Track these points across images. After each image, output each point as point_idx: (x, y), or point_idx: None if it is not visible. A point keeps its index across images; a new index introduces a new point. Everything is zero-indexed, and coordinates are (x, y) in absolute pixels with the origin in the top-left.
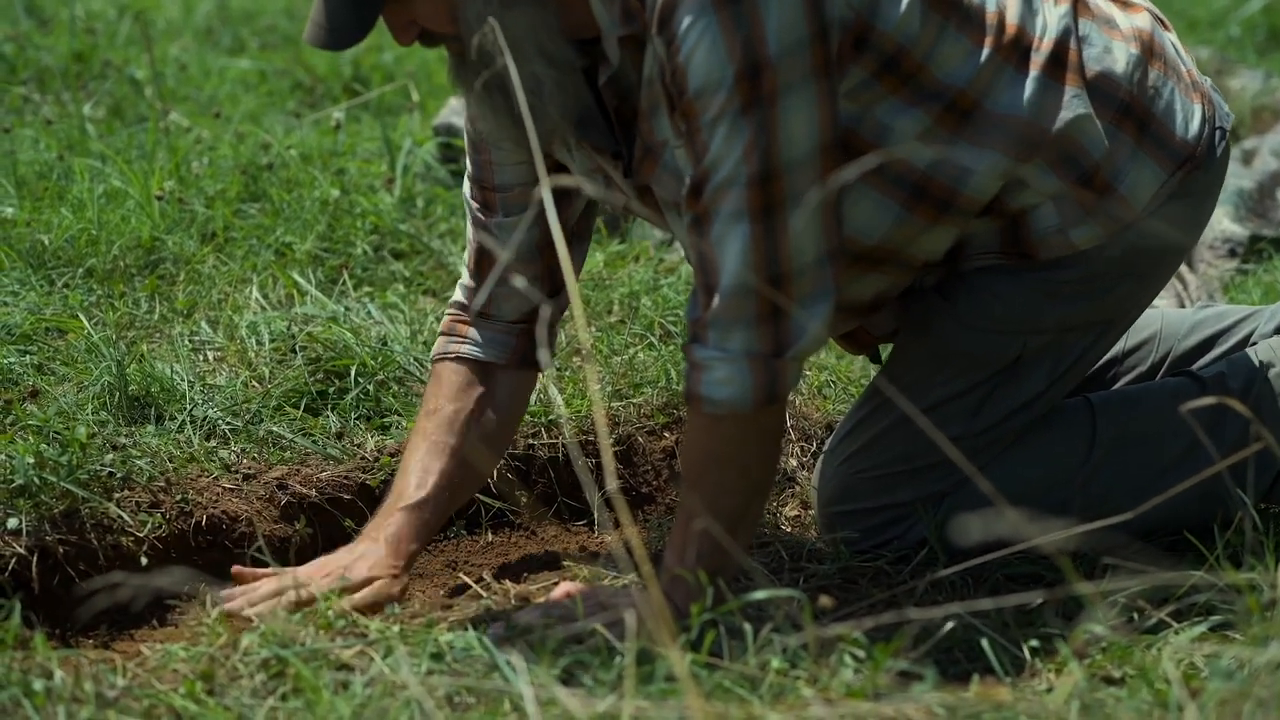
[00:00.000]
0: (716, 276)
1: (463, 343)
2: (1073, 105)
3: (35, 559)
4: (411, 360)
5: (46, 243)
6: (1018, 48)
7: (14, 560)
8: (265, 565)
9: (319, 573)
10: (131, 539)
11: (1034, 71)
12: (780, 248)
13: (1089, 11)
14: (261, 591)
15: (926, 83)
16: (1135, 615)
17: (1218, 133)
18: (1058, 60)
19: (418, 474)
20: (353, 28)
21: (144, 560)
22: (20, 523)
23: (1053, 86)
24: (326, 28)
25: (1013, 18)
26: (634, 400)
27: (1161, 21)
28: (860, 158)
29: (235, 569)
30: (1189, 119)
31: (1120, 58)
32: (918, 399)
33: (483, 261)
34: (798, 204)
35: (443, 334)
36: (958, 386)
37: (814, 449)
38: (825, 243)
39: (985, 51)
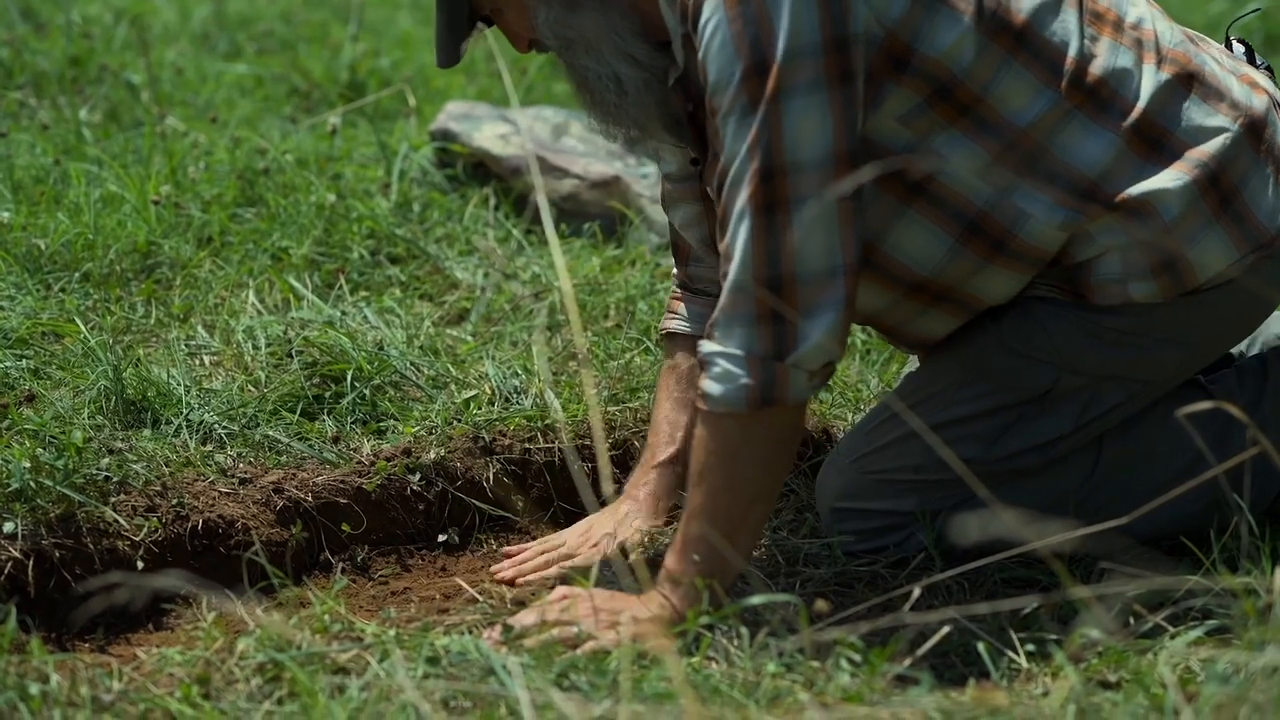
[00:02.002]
0: (727, 274)
1: (672, 318)
2: (1148, 175)
3: (31, 563)
4: (408, 364)
5: (43, 247)
6: (1095, 99)
7: (10, 564)
8: (262, 570)
9: (584, 541)
10: (128, 543)
11: (1112, 134)
12: (782, 249)
13: (1196, 83)
14: (533, 562)
15: (987, 116)
16: (1131, 620)
17: None
18: (1143, 132)
19: (666, 430)
20: (450, 50)
21: (140, 564)
22: (16, 527)
23: (1130, 157)
24: (438, 50)
25: (1096, 69)
26: (630, 405)
27: (1279, 106)
28: (863, 167)
29: (506, 549)
30: (1277, 209)
31: (1222, 134)
32: (940, 411)
33: (678, 244)
34: (804, 208)
35: (666, 309)
36: (982, 406)
37: (810, 454)
38: (841, 254)
39: (1053, 94)
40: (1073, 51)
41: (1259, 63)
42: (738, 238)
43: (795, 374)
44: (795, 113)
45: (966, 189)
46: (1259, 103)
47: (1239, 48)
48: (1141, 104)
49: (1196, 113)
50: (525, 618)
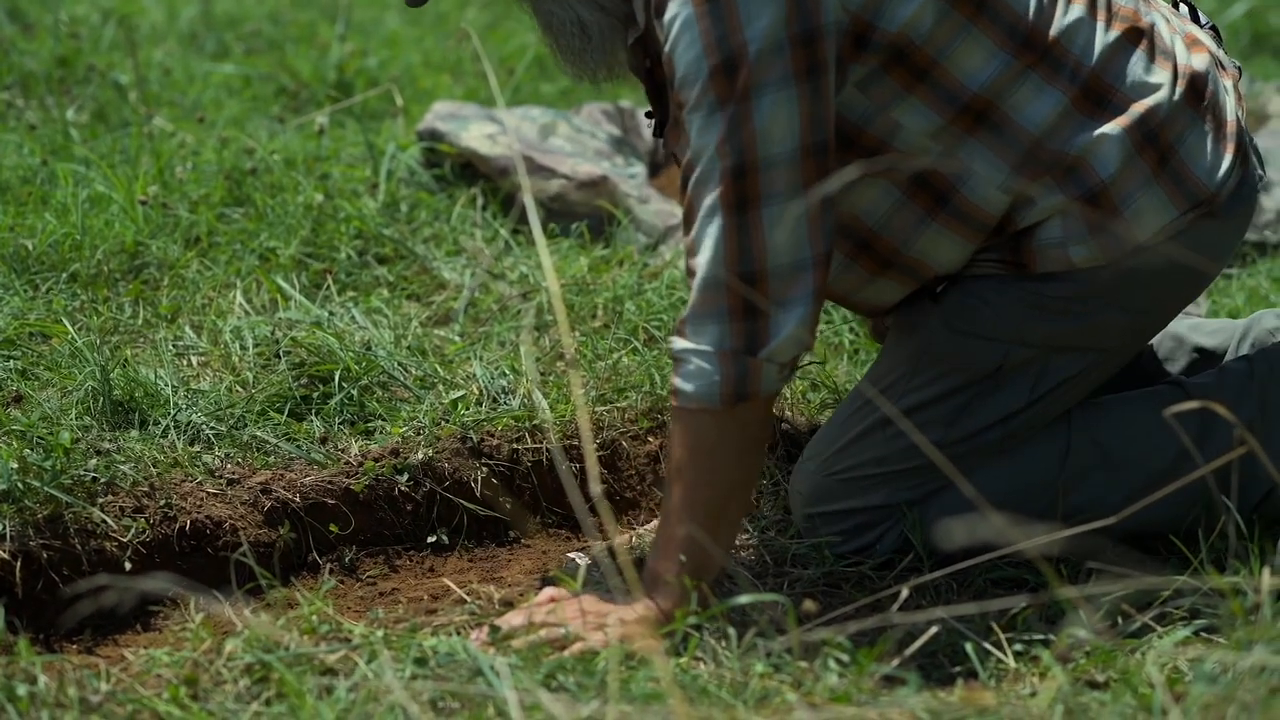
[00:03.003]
0: (695, 270)
1: None
2: (1090, 130)
3: (19, 564)
4: (395, 365)
5: (30, 248)
6: (1048, 59)
7: None
8: (249, 571)
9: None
10: (115, 544)
11: (1060, 92)
12: (754, 245)
13: (1144, 40)
14: None
15: (942, 80)
16: (1119, 619)
17: (1243, 188)
18: (1090, 90)
19: None
20: None
21: (128, 565)
22: (4, 528)
23: (1074, 115)
24: None
25: (1051, 29)
26: (618, 405)
27: (1221, 66)
28: (872, 158)
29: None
30: (1216, 166)
31: (1162, 90)
32: (896, 401)
33: None
34: (775, 203)
35: None
36: (936, 390)
37: (799, 454)
38: (809, 247)
39: (1007, 56)
40: (1030, 12)
41: (1203, 22)
42: (706, 234)
43: (767, 367)
44: (765, 109)
45: (918, 149)
46: (1199, 61)
47: (1184, 8)
48: (1090, 62)
49: (1140, 69)
50: (513, 619)
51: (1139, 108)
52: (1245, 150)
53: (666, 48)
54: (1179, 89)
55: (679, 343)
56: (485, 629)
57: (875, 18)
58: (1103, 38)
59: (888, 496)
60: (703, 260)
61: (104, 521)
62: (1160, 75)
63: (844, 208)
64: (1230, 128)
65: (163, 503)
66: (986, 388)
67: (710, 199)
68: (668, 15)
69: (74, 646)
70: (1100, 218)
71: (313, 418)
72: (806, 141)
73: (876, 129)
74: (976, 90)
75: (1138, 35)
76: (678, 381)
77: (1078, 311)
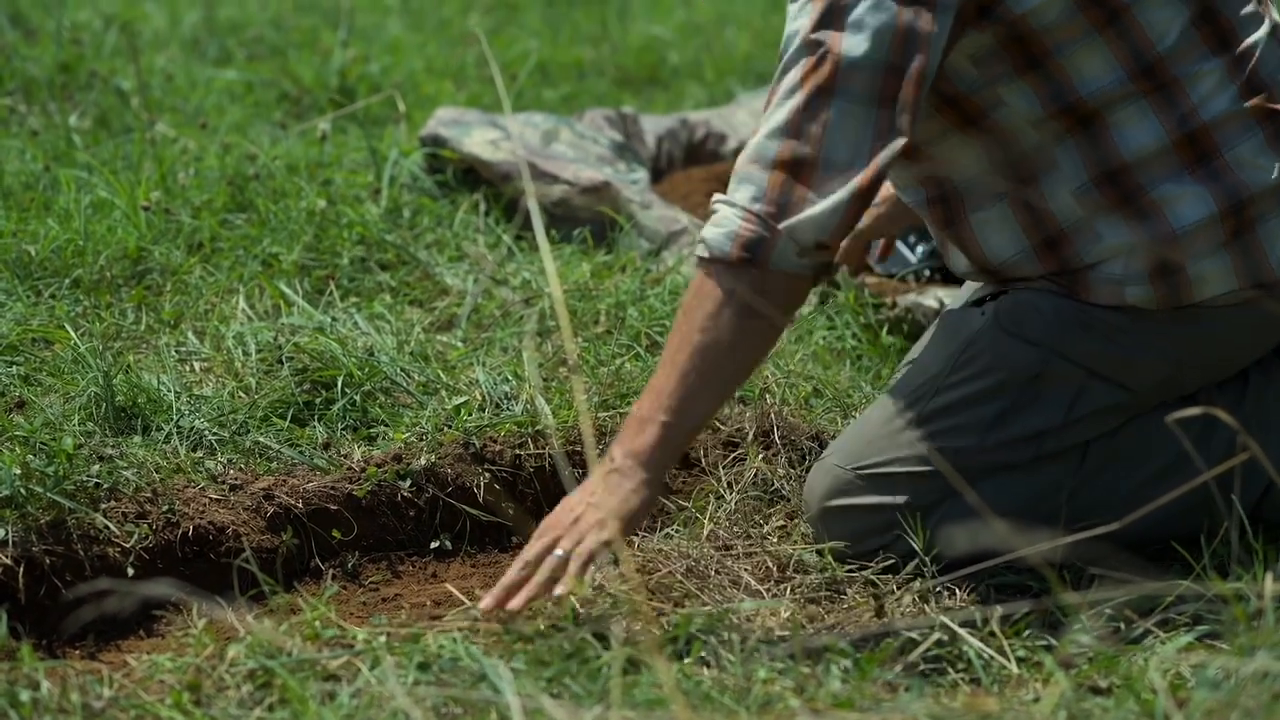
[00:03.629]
0: (756, 133)
1: None
2: (1179, 181)
3: (22, 570)
4: (398, 371)
5: (33, 253)
6: (1164, 93)
7: (0, 571)
8: (252, 577)
9: None
10: (118, 549)
11: (1165, 130)
12: (813, 131)
13: (1271, 125)
14: None
15: (1056, 75)
16: (1122, 625)
17: None
18: (1195, 142)
19: None
20: None
21: (130, 571)
22: (6, 533)
23: (1171, 159)
24: None
25: (1178, 71)
26: (621, 410)
27: None
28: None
29: None
30: None
31: (1265, 175)
32: (932, 399)
33: None
34: (846, 100)
35: None
36: (973, 389)
37: (801, 459)
38: (866, 156)
39: (1124, 75)
40: (1162, 47)
41: None
42: (779, 108)
43: (784, 241)
44: (861, 11)
45: (1017, 132)
46: None
47: None
48: (1205, 116)
49: (1253, 148)
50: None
51: (1235, 180)
52: None
53: None
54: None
55: (716, 196)
56: (489, 598)
57: None
58: (1229, 101)
59: (913, 497)
60: (766, 126)
61: (106, 527)
62: (1270, 162)
63: (939, 156)
64: None
65: (165, 508)
66: (1024, 399)
67: (792, 77)
68: None
69: (77, 652)
70: (1161, 265)
71: (315, 423)
72: (895, 59)
73: (981, 99)
74: (1085, 95)
75: (1266, 116)
76: (703, 230)
77: (1122, 343)
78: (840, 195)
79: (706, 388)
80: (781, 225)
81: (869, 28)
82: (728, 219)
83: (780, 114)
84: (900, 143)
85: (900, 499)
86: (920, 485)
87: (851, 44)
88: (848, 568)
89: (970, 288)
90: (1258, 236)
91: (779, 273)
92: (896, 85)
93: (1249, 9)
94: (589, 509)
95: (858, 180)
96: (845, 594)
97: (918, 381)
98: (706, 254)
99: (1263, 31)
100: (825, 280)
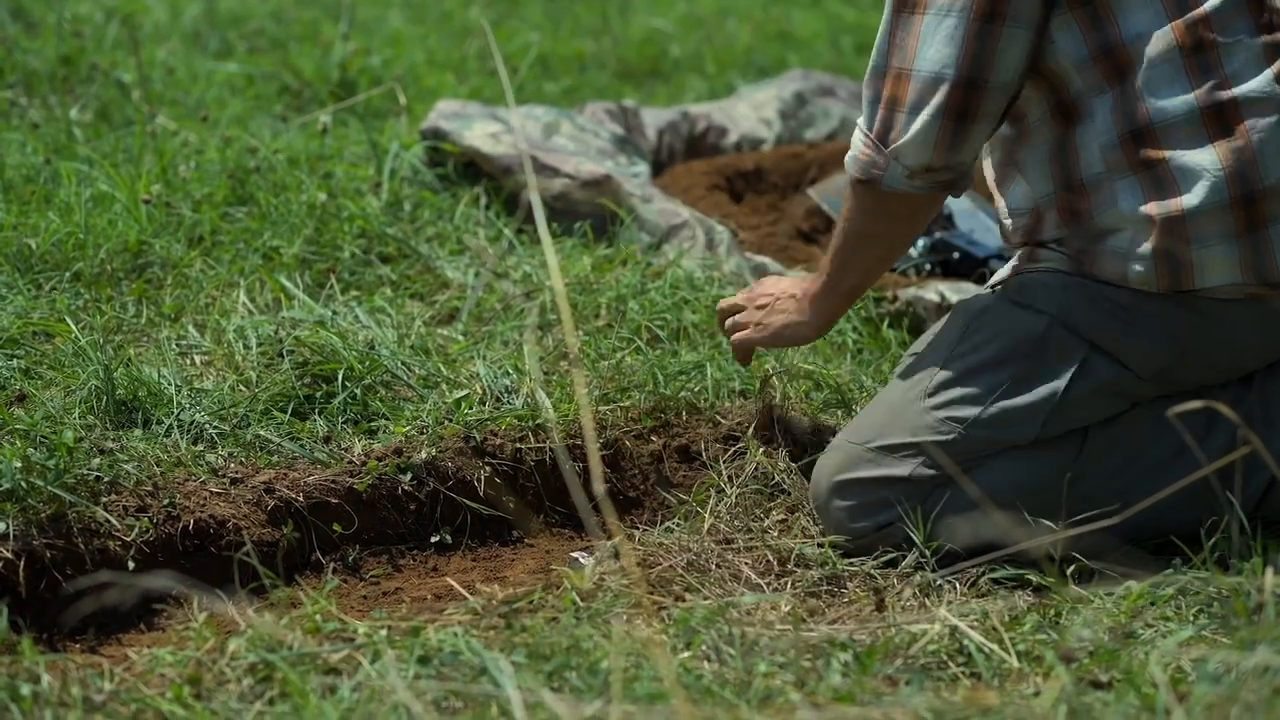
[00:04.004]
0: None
1: None
2: (1199, 155)
3: (22, 563)
4: (399, 364)
5: (34, 246)
6: (1201, 55)
7: (1, 564)
8: (253, 571)
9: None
10: (119, 543)
11: (1195, 95)
12: (905, 46)
13: None
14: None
15: (1102, 13)
16: (1122, 619)
17: None
18: (1223, 114)
19: None
20: None
21: (131, 564)
22: (7, 527)
23: (1196, 128)
24: None
25: (1221, 34)
26: (621, 404)
27: None
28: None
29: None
30: None
31: None
32: (938, 370)
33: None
34: (936, 14)
35: None
36: (979, 358)
37: (802, 453)
38: (953, 69)
39: (1167, 26)
40: (1208, 6)
41: None
42: (881, 30)
43: (894, 165)
44: None
45: (1064, 74)
46: None
47: None
48: (1237, 90)
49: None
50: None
51: (1254, 168)
52: None
53: None
54: None
55: (856, 116)
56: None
57: None
58: (1265, 81)
59: (915, 469)
60: (874, 51)
61: (107, 521)
62: None
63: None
64: None
65: (166, 502)
66: (1026, 369)
67: (890, 2)
68: None
69: (77, 646)
70: (1170, 247)
71: (316, 417)
72: None
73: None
74: (1126, 42)
75: None
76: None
77: (1125, 320)
78: (932, 115)
79: (849, 269)
80: (888, 149)
81: None
82: (854, 144)
83: (883, 32)
84: (994, 48)
85: (904, 470)
86: (924, 458)
87: None
88: (848, 562)
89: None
90: (1269, 235)
91: (892, 194)
92: (985, 5)
93: None
94: (775, 309)
95: (948, 94)
96: (846, 588)
97: (926, 358)
98: (846, 171)
99: None
100: (959, 192)
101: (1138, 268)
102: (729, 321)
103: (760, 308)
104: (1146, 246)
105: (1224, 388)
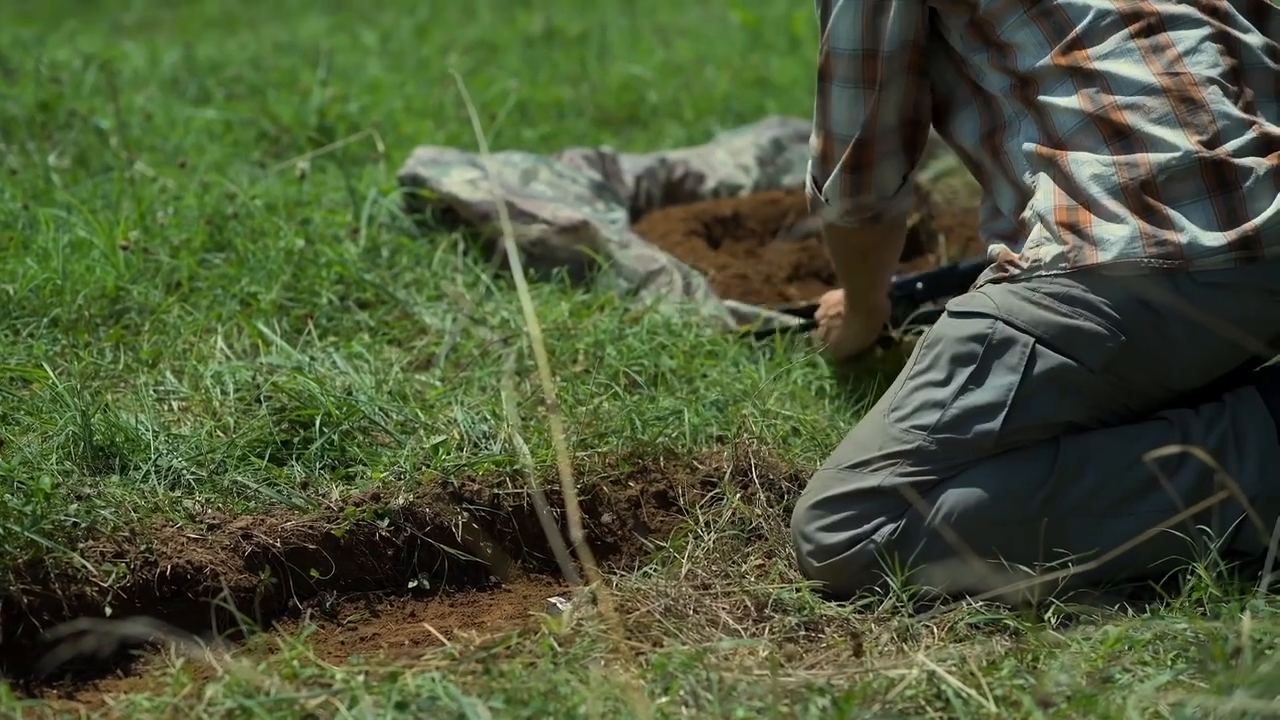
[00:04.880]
0: None
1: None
2: (1096, 148)
3: None
4: (376, 410)
5: (11, 292)
6: (1149, 35)
7: None
8: (230, 617)
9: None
10: (96, 589)
11: (1159, 82)
12: (826, 110)
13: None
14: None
15: (1055, 12)
16: (1100, 663)
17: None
18: (1183, 94)
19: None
20: None
21: (108, 610)
22: None
23: (1167, 107)
24: None
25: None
26: (599, 450)
27: None
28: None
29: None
30: (1196, 238)
31: (1172, 148)
32: (900, 390)
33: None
34: (839, 84)
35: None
36: (934, 370)
37: (780, 498)
38: (861, 130)
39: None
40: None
41: None
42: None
43: (827, 206)
44: (839, 14)
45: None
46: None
47: None
48: (1190, 66)
49: (1228, 106)
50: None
51: (1142, 149)
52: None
53: None
54: (1203, 154)
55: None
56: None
57: None
58: (1146, 75)
59: (885, 479)
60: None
61: (84, 566)
62: (1178, 141)
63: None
64: None
65: (143, 548)
66: (979, 370)
67: (817, 69)
68: None
69: (54, 692)
70: (1071, 232)
71: (293, 463)
72: (866, 46)
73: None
74: (1079, 32)
75: (1181, 100)
76: None
77: (1061, 311)
78: (840, 169)
79: (847, 280)
80: (821, 191)
81: (846, 29)
82: (806, 183)
83: (816, 98)
84: (895, 103)
85: (872, 481)
86: (894, 468)
87: (836, 39)
88: (826, 607)
89: None
90: (1167, 213)
91: (829, 222)
92: (872, 65)
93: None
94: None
95: (851, 152)
96: (824, 633)
97: (893, 386)
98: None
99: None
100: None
101: (1048, 235)
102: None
103: (833, 317)
104: (1052, 219)
105: (1197, 413)
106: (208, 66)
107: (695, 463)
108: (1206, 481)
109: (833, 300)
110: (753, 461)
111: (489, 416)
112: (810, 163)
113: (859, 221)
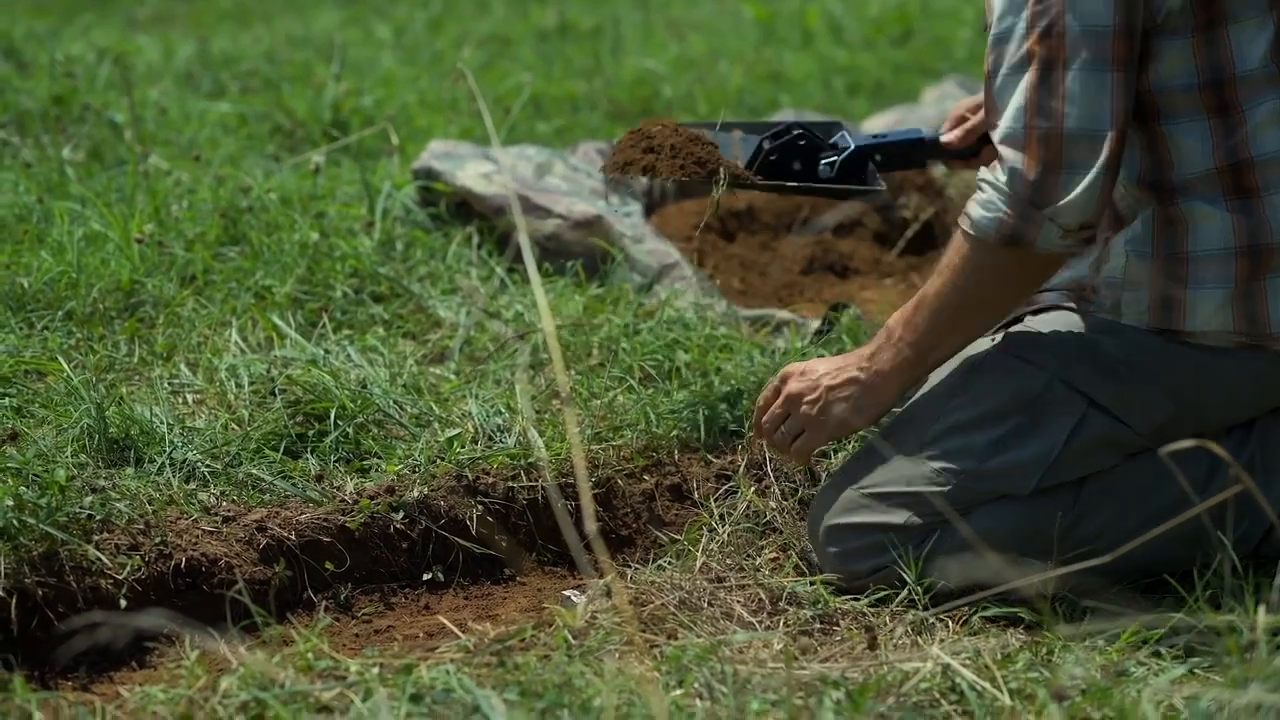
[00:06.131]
0: (996, 121)
1: None
2: (1213, 209)
3: (14, 601)
4: (391, 403)
5: (26, 285)
6: (1224, 116)
7: None
8: (245, 609)
9: None
10: (110, 581)
11: (1213, 153)
12: (1053, 104)
13: None
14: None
15: (1217, 40)
16: (1115, 657)
17: None
18: (1238, 175)
19: None
20: None
21: (123, 603)
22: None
23: (1214, 191)
24: None
25: (1242, 95)
26: (613, 443)
27: None
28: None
29: None
30: None
31: None
32: (935, 421)
33: None
34: (1081, 68)
35: None
36: (977, 411)
37: (794, 491)
38: (1109, 120)
39: (1194, 82)
40: (1241, 69)
41: None
42: (1012, 89)
43: (1048, 226)
44: None
45: (1162, 93)
46: None
47: None
48: (1255, 153)
49: None
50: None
51: (1265, 223)
52: None
53: None
54: None
55: (984, 172)
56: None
57: None
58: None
59: (910, 518)
60: (1006, 114)
61: (99, 559)
62: None
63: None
64: None
65: (158, 540)
66: (1025, 424)
67: (1018, 55)
68: None
69: (69, 684)
70: (1163, 281)
71: (308, 455)
72: (1119, 22)
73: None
74: (1153, 89)
75: None
76: (970, 204)
77: (1124, 375)
78: (1092, 171)
79: (956, 332)
80: (1044, 211)
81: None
82: (992, 204)
83: (1020, 91)
84: (1133, 85)
85: (900, 518)
86: (920, 508)
87: (1079, 13)
88: (840, 600)
89: None
90: (1265, 289)
91: (1041, 254)
92: (1124, 44)
93: None
94: (831, 400)
95: (1105, 146)
96: (838, 626)
97: (926, 407)
98: (972, 231)
99: None
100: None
101: (1130, 297)
102: (778, 433)
103: (810, 403)
104: (1143, 280)
105: (1228, 434)
106: (222, 60)
107: (709, 456)
108: (1233, 500)
109: (815, 380)
110: (767, 455)
111: (503, 410)
112: (1004, 182)
113: (1083, 241)
